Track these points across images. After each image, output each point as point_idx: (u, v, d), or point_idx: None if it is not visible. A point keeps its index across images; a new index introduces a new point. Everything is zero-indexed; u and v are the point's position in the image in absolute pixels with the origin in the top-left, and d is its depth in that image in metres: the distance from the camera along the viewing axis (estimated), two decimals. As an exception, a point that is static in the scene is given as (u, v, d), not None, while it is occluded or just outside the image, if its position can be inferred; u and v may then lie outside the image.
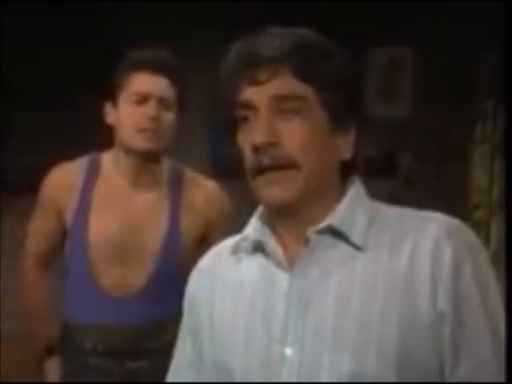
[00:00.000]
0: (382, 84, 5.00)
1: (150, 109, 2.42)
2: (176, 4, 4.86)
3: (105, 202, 2.50)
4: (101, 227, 2.47)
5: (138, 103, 2.43)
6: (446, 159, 4.92)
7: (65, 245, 2.54)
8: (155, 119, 2.42)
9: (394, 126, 4.82)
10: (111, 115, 2.49)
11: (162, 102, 2.44)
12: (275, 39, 1.32)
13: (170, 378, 1.52)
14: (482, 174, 4.66)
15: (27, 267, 2.61)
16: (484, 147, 4.65)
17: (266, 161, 1.30)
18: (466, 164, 4.79)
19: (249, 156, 1.33)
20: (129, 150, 2.47)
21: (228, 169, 4.68)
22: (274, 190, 1.31)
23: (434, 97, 4.89)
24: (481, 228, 4.49)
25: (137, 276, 2.47)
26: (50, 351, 2.56)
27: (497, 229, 4.43)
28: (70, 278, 2.53)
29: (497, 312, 1.30)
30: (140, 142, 2.43)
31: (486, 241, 4.41)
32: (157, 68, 2.44)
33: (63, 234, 2.54)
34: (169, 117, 2.47)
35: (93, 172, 2.53)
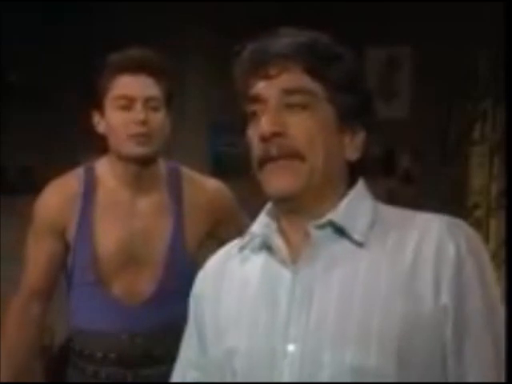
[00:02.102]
0: (381, 83, 5.00)
1: (138, 112, 2.33)
2: (176, 4, 4.87)
3: (107, 212, 2.43)
4: (107, 238, 2.41)
5: (125, 108, 2.34)
6: (444, 158, 4.93)
7: (68, 260, 2.46)
8: (144, 122, 2.33)
9: (393, 125, 4.82)
10: (100, 124, 2.41)
11: (148, 102, 2.35)
12: (286, 38, 1.35)
13: (174, 378, 1.54)
14: (481, 174, 4.67)
15: (21, 304, 2.48)
16: (483, 147, 4.65)
17: (273, 151, 1.33)
18: (464, 163, 4.79)
19: (256, 147, 1.35)
20: (123, 158, 2.39)
21: (227, 168, 4.71)
22: (280, 180, 1.33)
23: (433, 96, 4.90)
24: (479, 227, 4.49)
25: (146, 283, 2.43)
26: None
27: (495, 228, 4.44)
28: (77, 288, 2.47)
29: (496, 304, 1.33)
30: (133, 149, 2.35)
31: (485, 240, 4.41)
32: (138, 68, 2.34)
33: (65, 258, 2.46)
34: (158, 117, 2.38)
35: (91, 183, 2.45)
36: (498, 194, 4.38)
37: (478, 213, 4.66)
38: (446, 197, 4.85)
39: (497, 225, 4.42)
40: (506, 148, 2.93)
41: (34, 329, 2.50)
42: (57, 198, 2.46)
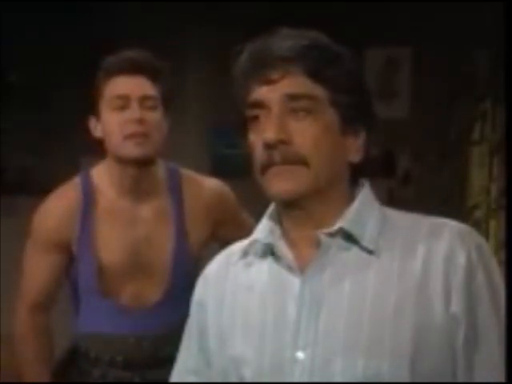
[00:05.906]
0: (380, 84, 5.01)
1: (133, 111, 2.29)
2: (176, 4, 4.87)
3: (108, 220, 2.41)
4: (110, 247, 2.39)
5: (120, 108, 2.30)
6: (444, 159, 4.93)
7: (72, 270, 2.44)
8: (141, 121, 2.29)
9: (393, 126, 4.83)
10: (97, 128, 2.37)
11: (144, 101, 2.31)
12: (287, 40, 1.33)
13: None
14: (481, 174, 4.67)
15: (23, 316, 2.45)
16: (482, 147, 4.65)
17: (276, 157, 1.31)
18: (464, 164, 4.79)
19: (259, 153, 1.33)
20: (121, 160, 2.35)
21: (228, 169, 4.70)
22: (283, 183, 1.32)
23: (433, 96, 4.90)
24: (479, 228, 4.49)
25: (153, 289, 2.42)
26: None
27: (495, 229, 4.44)
28: (83, 297, 2.46)
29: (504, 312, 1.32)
30: (130, 150, 2.30)
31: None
32: (133, 68, 2.30)
33: (67, 270, 2.45)
34: (155, 117, 2.33)
35: (89, 192, 2.41)
36: (497, 194, 4.37)
37: (478, 213, 4.66)
38: (445, 197, 4.85)
39: (497, 225, 4.41)
40: (506, 148, 2.93)
41: (46, 338, 2.47)
42: (56, 211, 2.42)
